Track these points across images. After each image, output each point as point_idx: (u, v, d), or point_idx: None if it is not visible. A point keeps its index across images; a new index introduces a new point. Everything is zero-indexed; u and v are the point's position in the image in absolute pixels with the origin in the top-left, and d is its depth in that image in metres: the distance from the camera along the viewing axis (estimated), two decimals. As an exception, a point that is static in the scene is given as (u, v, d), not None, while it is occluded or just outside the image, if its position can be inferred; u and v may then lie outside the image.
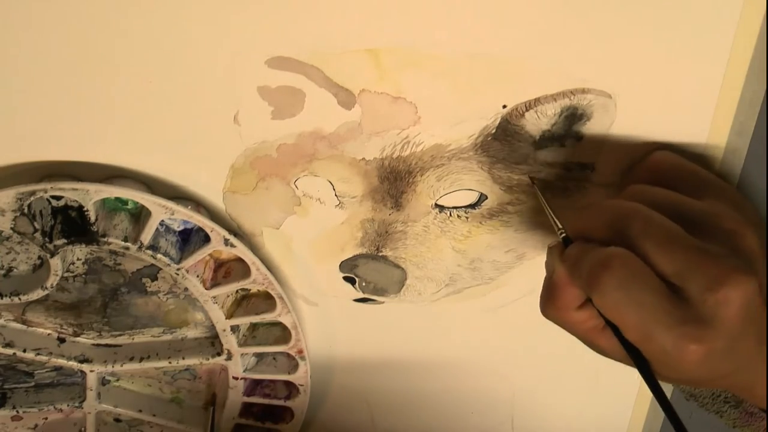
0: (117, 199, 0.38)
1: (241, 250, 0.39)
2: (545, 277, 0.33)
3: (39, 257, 0.40)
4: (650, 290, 0.28)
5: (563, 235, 0.33)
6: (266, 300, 0.42)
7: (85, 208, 0.36)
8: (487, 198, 0.38)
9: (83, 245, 0.38)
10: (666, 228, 0.29)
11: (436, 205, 0.39)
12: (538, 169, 0.37)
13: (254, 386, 0.47)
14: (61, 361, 0.43)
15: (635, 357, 0.30)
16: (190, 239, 0.40)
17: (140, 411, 0.47)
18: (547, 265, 0.33)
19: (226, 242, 0.38)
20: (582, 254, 0.30)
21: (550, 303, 0.32)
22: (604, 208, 0.31)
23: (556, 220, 0.34)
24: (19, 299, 0.40)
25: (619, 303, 0.28)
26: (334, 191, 0.38)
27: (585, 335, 0.32)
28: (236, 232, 0.40)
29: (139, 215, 0.38)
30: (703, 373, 0.29)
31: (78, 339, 0.44)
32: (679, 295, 0.28)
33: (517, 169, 0.37)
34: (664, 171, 0.34)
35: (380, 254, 0.41)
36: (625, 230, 0.29)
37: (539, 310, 0.33)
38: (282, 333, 0.44)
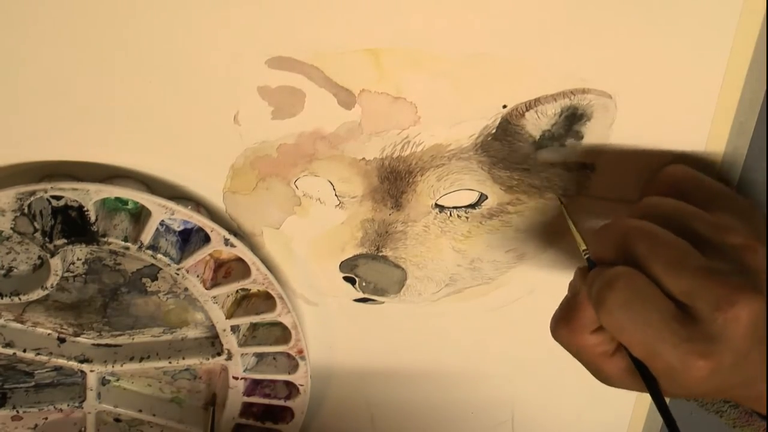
0: (117, 199, 0.38)
1: (241, 250, 0.39)
2: (565, 297, 0.33)
3: (39, 257, 0.40)
4: (656, 308, 0.28)
5: (587, 256, 0.33)
6: (266, 300, 0.42)
7: (85, 208, 0.36)
8: (487, 198, 0.38)
9: (83, 245, 0.38)
10: (673, 246, 0.29)
11: (437, 205, 0.39)
12: (539, 169, 0.37)
13: (254, 386, 0.47)
14: (61, 361, 0.43)
15: (644, 374, 0.30)
16: (190, 239, 0.40)
17: (140, 411, 0.47)
18: (572, 285, 0.33)
19: (226, 242, 0.38)
20: (593, 276, 0.30)
21: (565, 323, 0.32)
22: (613, 228, 0.31)
23: (581, 241, 0.34)
24: (19, 299, 0.40)
25: (623, 322, 0.29)
26: (334, 191, 0.38)
27: (592, 359, 0.32)
28: (236, 232, 0.40)
29: (139, 215, 0.38)
30: (708, 387, 0.29)
31: (78, 339, 0.44)
32: (686, 313, 0.28)
33: (518, 168, 0.37)
34: (677, 184, 0.34)
35: (380, 254, 0.41)
36: (633, 251, 0.29)
37: (549, 330, 0.33)
38: (282, 333, 0.44)
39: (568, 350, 0.33)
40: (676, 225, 0.30)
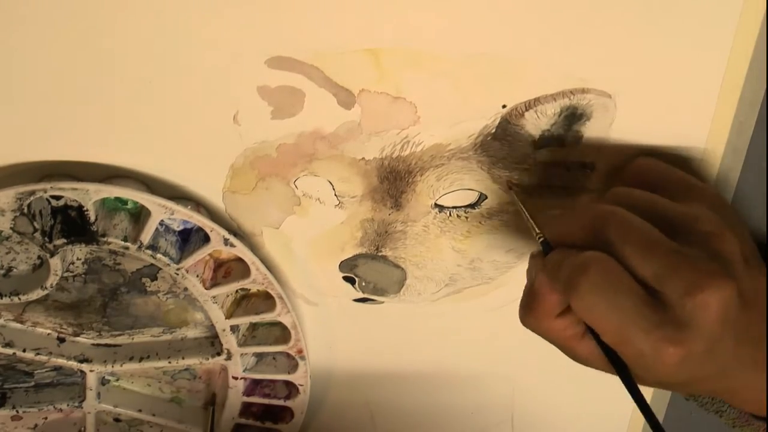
0: (117, 198, 0.38)
1: (240, 250, 0.39)
2: (526, 285, 0.33)
3: (39, 257, 0.40)
4: (627, 294, 0.28)
5: (542, 240, 0.32)
6: (266, 300, 0.42)
7: (84, 208, 0.36)
8: (486, 198, 0.38)
9: (83, 245, 0.38)
10: (644, 231, 0.29)
11: (436, 205, 0.39)
12: (539, 169, 0.37)
13: (254, 386, 0.47)
14: (61, 361, 0.43)
15: (613, 360, 0.30)
16: (189, 239, 0.40)
17: (140, 411, 0.47)
18: (529, 272, 0.33)
19: (226, 242, 0.38)
20: (562, 259, 0.30)
21: (530, 310, 0.32)
22: (582, 212, 0.31)
23: (534, 225, 0.33)
24: (19, 299, 0.40)
25: (596, 307, 0.28)
26: (333, 191, 0.38)
27: (564, 343, 0.32)
28: (236, 231, 0.40)
29: (139, 215, 0.38)
30: (682, 376, 0.29)
31: (78, 339, 0.44)
32: (657, 299, 0.28)
33: (517, 168, 0.37)
34: (646, 175, 0.34)
35: (380, 254, 0.41)
36: (603, 234, 0.29)
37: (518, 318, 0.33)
38: (282, 333, 0.44)
39: (540, 336, 0.33)
40: (646, 215, 0.30)
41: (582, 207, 0.31)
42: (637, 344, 0.28)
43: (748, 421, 0.38)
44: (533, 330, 0.33)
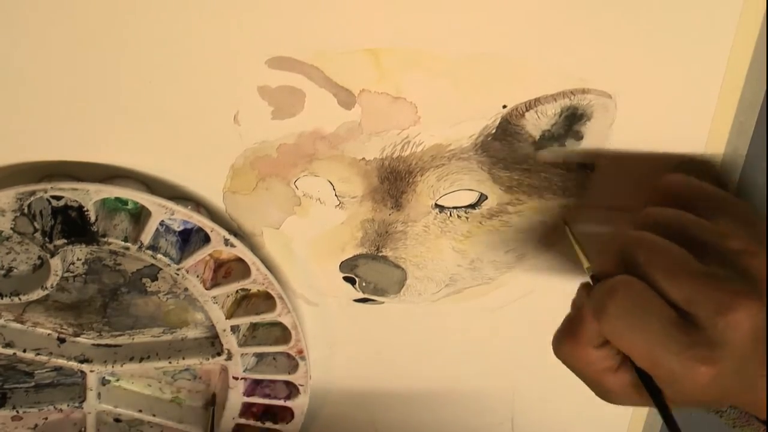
0: (117, 199, 0.38)
1: (241, 250, 0.39)
2: (568, 314, 0.33)
3: (39, 257, 0.40)
4: (656, 316, 0.28)
5: (591, 273, 0.33)
6: (266, 300, 0.42)
7: (85, 208, 0.36)
8: (487, 198, 0.38)
9: (83, 245, 0.38)
10: (672, 255, 0.29)
11: (436, 205, 0.39)
12: (539, 169, 0.37)
13: (254, 386, 0.47)
14: (61, 361, 0.43)
15: (648, 385, 0.30)
16: (190, 239, 0.40)
17: (140, 411, 0.47)
18: (575, 301, 0.33)
19: (226, 242, 0.38)
20: (595, 287, 0.31)
21: (569, 337, 0.32)
22: (614, 241, 0.31)
23: (583, 258, 0.34)
24: (19, 299, 0.40)
25: (624, 329, 0.29)
26: (334, 191, 0.38)
27: (596, 376, 0.32)
28: (236, 232, 0.40)
29: (139, 215, 0.38)
30: (713, 394, 0.29)
31: (78, 339, 0.44)
32: (688, 321, 0.28)
33: (518, 169, 0.37)
34: (676, 193, 0.34)
35: (380, 254, 0.41)
36: (633, 260, 0.30)
37: (552, 348, 0.33)
38: (282, 333, 0.44)
39: (570, 367, 0.33)
40: (676, 234, 0.30)
41: (614, 236, 0.31)
42: (668, 365, 0.28)
43: (748, 421, 0.38)
44: (566, 359, 0.33)
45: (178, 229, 0.40)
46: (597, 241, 0.37)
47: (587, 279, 0.33)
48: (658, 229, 0.30)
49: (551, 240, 0.40)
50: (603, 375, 0.32)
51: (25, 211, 0.36)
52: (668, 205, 0.32)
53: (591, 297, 0.31)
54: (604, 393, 0.33)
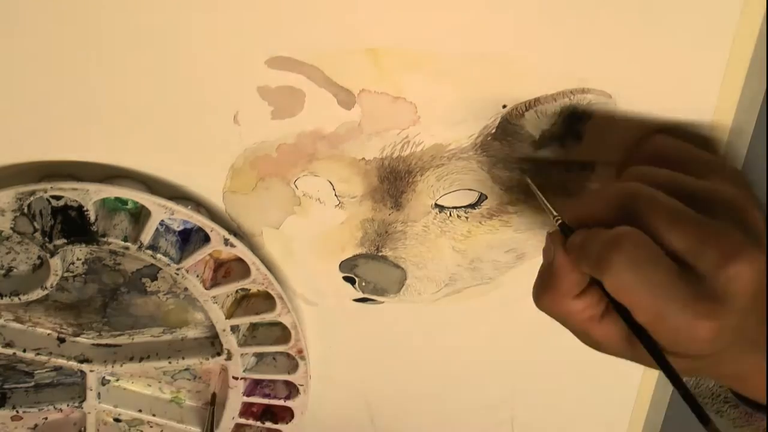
0: (117, 199, 0.38)
1: (240, 250, 0.39)
2: (542, 265, 0.32)
3: (39, 257, 0.40)
4: (662, 268, 0.28)
5: (559, 222, 0.32)
6: (266, 300, 0.42)
7: (84, 208, 0.36)
8: (486, 198, 0.38)
9: (83, 245, 0.38)
10: (672, 205, 0.28)
11: (436, 205, 0.39)
12: (537, 168, 0.37)
13: (254, 386, 0.47)
14: (61, 361, 0.43)
15: (644, 338, 0.29)
16: (189, 239, 0.40)
17: (140, 411, 0.47)
18: (546, 252, 0.32)
19: (226, 242, 0.38)
20: (588, 238, 0.29)
21: (547, 291, 0.31)
22: (606, 191, 0.30)
23: (551, 207, 0.33)
24: (19, 299, 0.40)
25: (631, 283, 0.28)
26: (334, 191, 0.38)
27: (581, 326, 0.31)
28: (236, 232, 0.40)
29: (139, 215, 0.38)
30: (713, 352, 0.28)
31: (78, 339, 0.44)
32: (689, 273, 0.28)
33: (518, 168, 0.37)
34: (664, 154, 0.33)
35: (380, 254, 0.41)
36: (630, 211, 0.29)
37: (532, 300, 0.32)
38: (282, 333, 0.44)
39: (554, 318, 0.32)
40: (668, 191, 0.29)
41: (604, 188, 0.30)
42: (673, 319, 0.27)
43: (748, 421, 0.38)
44: (548, 311, 0.32)
45: (178, 229, 0.40)
46: (566, 194, 0.37)
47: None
48: (650, 185, 0.30)
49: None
50: (587, 324, 0.31)
51: (25, 210, 0.36)
52: (655, 165, 0.32)
53: (579, 248, 0.30)
54: (594, 344, 0.32)
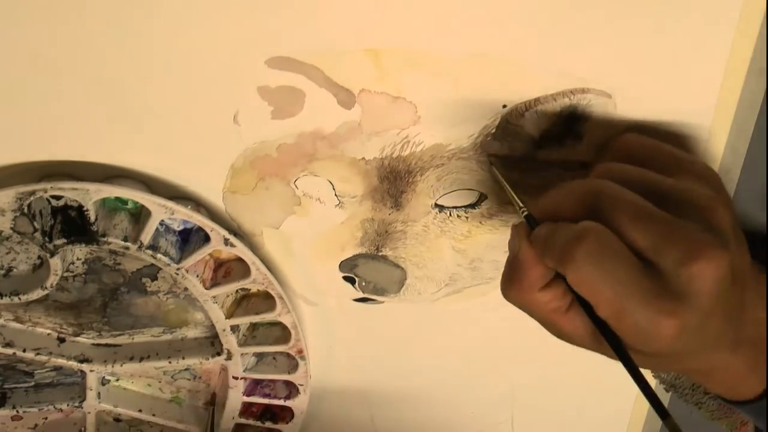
0: (117, 198, 0.38)
1: (240, 250, 0.39)
2: (508, 257, 0.32)
3: (39, 257, 0.40)
4: (625, 264, 0.28)
5: (525, 213, 0.32)
6: (266, 300, 0.42)
7: (85, 208, 0.36)
8: (486, 198, 0.39)
9: (83, 245, 0.38)
10: (637, 203, 0.28)
11: (436, 205, 0.39)
12: (537, 168, 0.37)
13: (254, 386, 0.47)
14: (61, 361, 0.43)
15: (606, 333, 0.29)
16: (189, 239, 0.40)
17: (140, 411, 0.47)
18: (511, 244, 0.32)
19: (226, 242, 0.38)
20: (553, 231, 0.30)
21: (513, 283, 0.31)
22: (572, 186, 0.30)
23: (517, 199, 0.33)
24: (19, 299, 0.40)
25: (593, 277, 0.28)
26: (334, 191, 0.38)
27: (547, 317, 0.31)
28: (236, 231, 0.40)
29: (139, 215, 0.38)
30: (674, 350, 0.28)
31: (78, 339, 0.44)
32: (652, 270, 0.28)
33: (517, 168, 0.37)
34: (634, 151, 0.33)
35: (380, 254, 0.41)
36: (596, 207, 0.29)
37: (500, 291, 0.32)
38: (282, 333, 0.44)
39: (521, 309, 0.32)
40: (637, 189, 0.29)
41: (572, 183, 0.30)
42: (634, 316, 0.28)
43: (726, 414, 0.38)
44: (515, 303, 0.32)
45: (178, 229, 0.40)
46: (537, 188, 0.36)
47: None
48: (620, 183, 0.30)
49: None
50: (553, 316, 0.31)
51: (25, 210, 0.36)
52: (626, 162, 0.32)
53: (544, 240, 0.30)
54: (561, 334, 0.32)
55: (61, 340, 0.44)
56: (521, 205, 0.32)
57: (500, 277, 0.32)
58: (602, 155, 0.35)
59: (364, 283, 0.42)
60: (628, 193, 0.29)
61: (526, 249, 0.31)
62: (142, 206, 0.37)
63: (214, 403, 0.48)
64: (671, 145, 0.33)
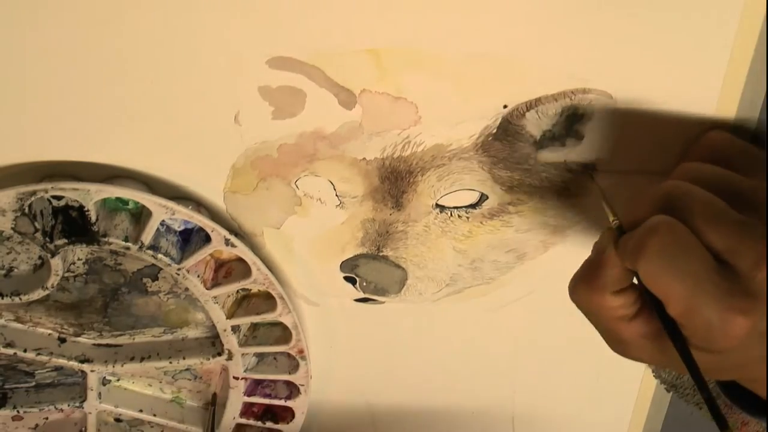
0: (118, 199, 0.38)
1: (241, 250, 0.39)
2: (588, 257, 0.32)
3: (40, 257, 0.40)
4: (698, 259, 0.27)
5: (617, 223, 0.32)
6: (267, 300, 0.42)
7: (85, 208, 0.36)
8: (487, 198, 0.38)
9: (84, 245, 0.38)
10: (711, 203, 0.28)
11: (437, 205, 0.39)
12: (540, 169, 0.37)
13: (255, 386, 0.47)
14: (62, 361, 0.43)
15: (673, 334, 0.29)
16: (190, 239, 0.40)
17: (141, 411, 0.47)
18: (598, 244, 0.32)
19: (227, 242, 0.38)
20: (632, 233, 0.29)
21: (587, 281, 0.31)
22: (649, 192, 0.30)
23: (609, 211, 0.33)
24: (20, 299, 0.40)
25: (665, 270, 0.28)
26: (334, 191, 0.38)
27: (610, 324, 0.31)
28: (237, 232, 0.40)
29: (140, 215, 0.38)
30: (736, 354, 0.28)
31: (78, 339, 0.44)
32: (725, 268, 0.27)
33: (518, 169, 0.37)
34: (716, 149, 0.33)
35: (381, 254, 0.41)
36: (671, 208, 0.29)
37: (567, 291, 0.32)
38: (282, 333, 0.44)
39: (585, 313, 0.32)
40: (714, 189, 0.29)
41: (652, 188, 0.30)
42: (705, 313, 0.27)
43: (727, 414, 0.38)
44: (581, 304, 0.31)
45: (179, 229, 0.40)
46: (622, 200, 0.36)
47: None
48: (697, 183, 0.29)
49: (552, 240, 0.40)
50: (617, 323, 0.31)
51: (26, 210, 0.36)
52: (707, 162, 0.31)
53: (625, 240, 0.29)
54: (617, 342, 0.32)
55: (62, 341, 0.44)
56: (613, 217, 0.32)
57: (570, 278, 0.32)
58: (687, 154, 0.35)
59: (365, 284, 0.42)
60: (703, 194, 0.29)
61: (610, 251, 0.30)
62: (143, 206, 0.37)
63: (214, 403, 0.48)
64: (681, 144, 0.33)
